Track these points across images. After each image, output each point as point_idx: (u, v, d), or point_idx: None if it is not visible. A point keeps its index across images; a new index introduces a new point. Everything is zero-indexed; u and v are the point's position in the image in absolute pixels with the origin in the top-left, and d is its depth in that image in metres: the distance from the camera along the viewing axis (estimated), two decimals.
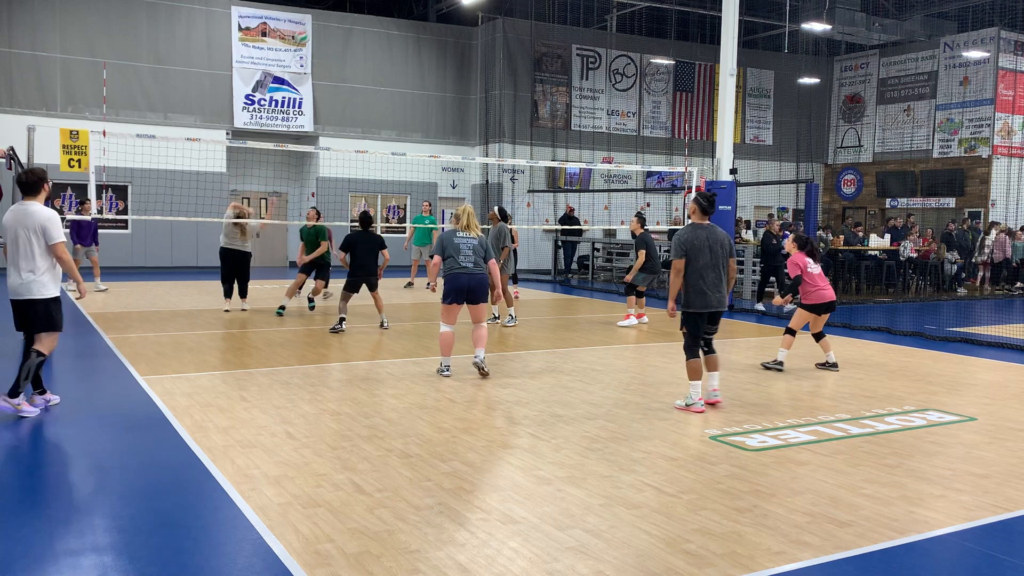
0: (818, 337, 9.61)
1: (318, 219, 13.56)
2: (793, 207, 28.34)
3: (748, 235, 20.15)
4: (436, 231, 16.65)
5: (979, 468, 5.76)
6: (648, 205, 26.07)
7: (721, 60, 15.87)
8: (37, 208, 6.58)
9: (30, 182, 6.63)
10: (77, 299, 6.39)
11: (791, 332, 9.44)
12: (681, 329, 7.44)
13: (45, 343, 6.61)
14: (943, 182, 26.27)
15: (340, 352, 9.88)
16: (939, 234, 21.53)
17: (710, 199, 7.41)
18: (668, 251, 11.65)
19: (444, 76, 25.03)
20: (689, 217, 7.56)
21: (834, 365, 9.51)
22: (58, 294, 6.65)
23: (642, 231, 12.90)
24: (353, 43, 23.73)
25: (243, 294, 13.28)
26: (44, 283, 6.53)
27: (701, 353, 7.42)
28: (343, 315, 11.41)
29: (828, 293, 9.40)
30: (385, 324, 11.84)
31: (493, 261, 8.69)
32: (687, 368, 7.33)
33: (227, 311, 13.12)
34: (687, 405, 7.29)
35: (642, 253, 12.67)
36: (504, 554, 4.14)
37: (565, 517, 4.64)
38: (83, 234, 15.81)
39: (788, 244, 9.92)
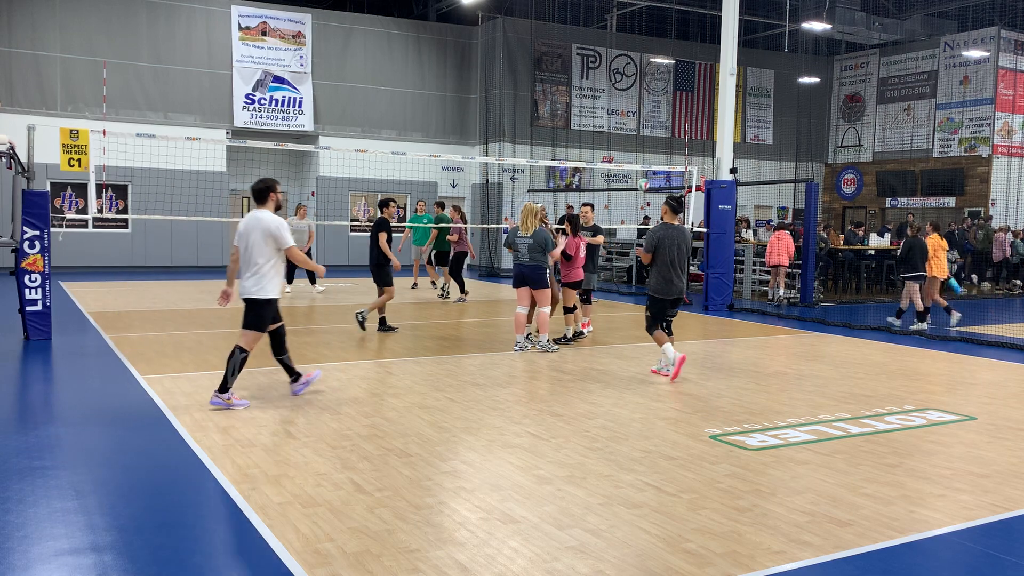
0: (569, 310, 11.04)
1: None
2: (793, 207, 28.34)
3: (748, 234, 20.14)
4: (434, 230, 16.49)
5: (979, 467, 5.77)
6: (648, 204, 26.06)
7: (721, 59, 15.86)
8: (266, 216, 6.96)
9: (257, 190, 7.04)
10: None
11: (570, 310, 10.90)
12: (646, 313, 8.74)
13: (243, 339, 7.00)
14: (943, 181, 26.27)
15: (340, 352, 9.89)
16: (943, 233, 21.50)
17: (679, 200, 8.69)
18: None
19: (444, 75, 25.01)
20: (662, 217, 8.67)
21: (580, 333, 11.10)
22: (272, 296, 6.98)
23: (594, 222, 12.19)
24: (353, 43, 23.72)
25: None
26: (262, 285, 6.95)
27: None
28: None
29: (580, 273, 10.94)
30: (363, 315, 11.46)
31: (554, 251, 10.16)
32: (656, 338, 8.63)
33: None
34: (664, 366, 8.59)
35: (600, 237, 11.90)
36: (504, 553, 4.14)
37: (565, 516, 4.64)
38: None
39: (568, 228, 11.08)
